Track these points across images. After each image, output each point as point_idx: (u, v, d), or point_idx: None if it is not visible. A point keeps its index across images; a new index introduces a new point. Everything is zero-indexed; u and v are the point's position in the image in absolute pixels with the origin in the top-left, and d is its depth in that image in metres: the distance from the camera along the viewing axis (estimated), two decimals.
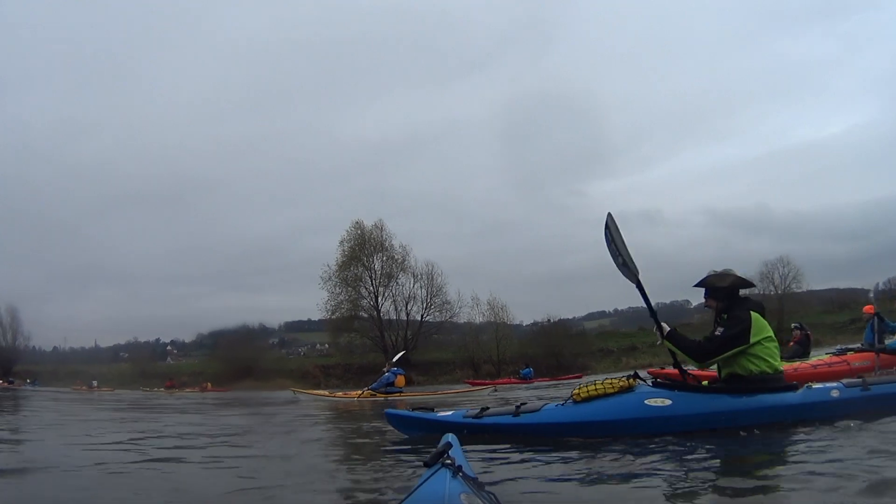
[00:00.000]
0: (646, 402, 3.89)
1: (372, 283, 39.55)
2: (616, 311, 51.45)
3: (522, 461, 3.40)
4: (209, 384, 29.07)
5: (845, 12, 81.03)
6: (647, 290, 4.24)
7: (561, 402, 4.20)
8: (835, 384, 4.02)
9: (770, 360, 3.97)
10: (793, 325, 11.06)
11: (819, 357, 9.23)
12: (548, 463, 3.34)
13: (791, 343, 10.55)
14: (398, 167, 76.24)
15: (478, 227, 68.65)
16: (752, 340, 3.94)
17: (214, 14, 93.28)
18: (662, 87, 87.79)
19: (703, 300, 4.42)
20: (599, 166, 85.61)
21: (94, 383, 28.92)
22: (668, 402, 3.87)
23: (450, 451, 1.76)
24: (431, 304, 39.63)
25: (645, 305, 4.25)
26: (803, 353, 9.87)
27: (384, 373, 14.32)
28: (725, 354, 3.96)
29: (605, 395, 3.99)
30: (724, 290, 4.22)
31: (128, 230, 67.26)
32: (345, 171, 77.08)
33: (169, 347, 49.69)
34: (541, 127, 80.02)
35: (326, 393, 17.90)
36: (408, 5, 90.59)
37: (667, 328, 4.14)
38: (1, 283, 45.61)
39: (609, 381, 4.09)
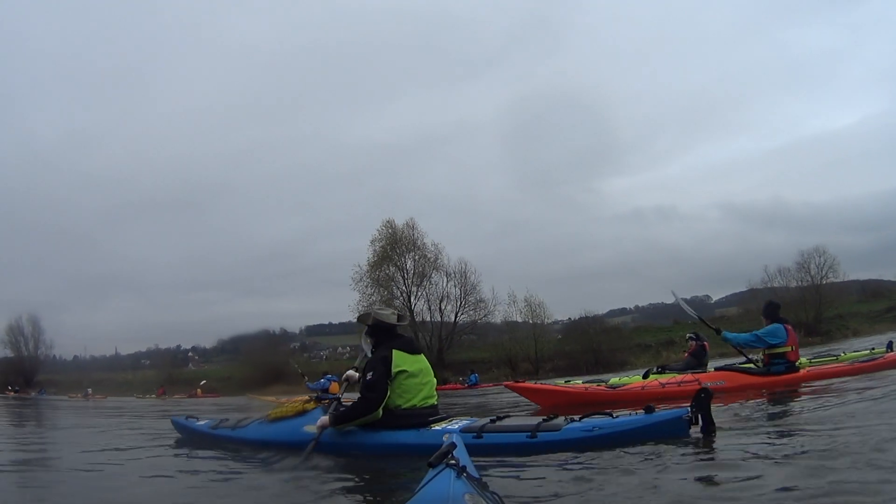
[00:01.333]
0: (304, 427, 4.09)
1: (404, 283, 38.28)
2: (637, 307, 51.20)
3: (527, 463, 3.34)
4: (199, 390, 29.27)
5: (854, 2, 78.24)
6: None
7: (260, 420, 4.51)
8: (456, 427, 3.80)
9: (405, 395, 3.97)
10: (688, 335, 10.18)
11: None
12: (553, 465, 3.22)
13: (686, 354, 9.88)
14: (410, 169, 75.47)
15: (491, 226, 66.77)
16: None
17: (222, 22, 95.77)
18: (673, 82, 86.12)
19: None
20: (612, 163, 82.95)
21: (89, 391, 29.49)
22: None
23: (454, 452, 1.78)
24: (465, 304, 38.14)
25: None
26: (698, 365, 9.04)
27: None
28: (387, 396, 3.94)
29: (286, 417, 4.29)
30: (370, 328, 4.29)
31: (143, 238, 69.43)
32: (357, 174, 77.58)
33: (190, 354, 50.32)
34: (552, 125, 77.50)
35: (273, 399, 17.98)
36: (415, 8, 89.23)
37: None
38: (19, 295, 47.70)
39: (292, 404, 4.38)
